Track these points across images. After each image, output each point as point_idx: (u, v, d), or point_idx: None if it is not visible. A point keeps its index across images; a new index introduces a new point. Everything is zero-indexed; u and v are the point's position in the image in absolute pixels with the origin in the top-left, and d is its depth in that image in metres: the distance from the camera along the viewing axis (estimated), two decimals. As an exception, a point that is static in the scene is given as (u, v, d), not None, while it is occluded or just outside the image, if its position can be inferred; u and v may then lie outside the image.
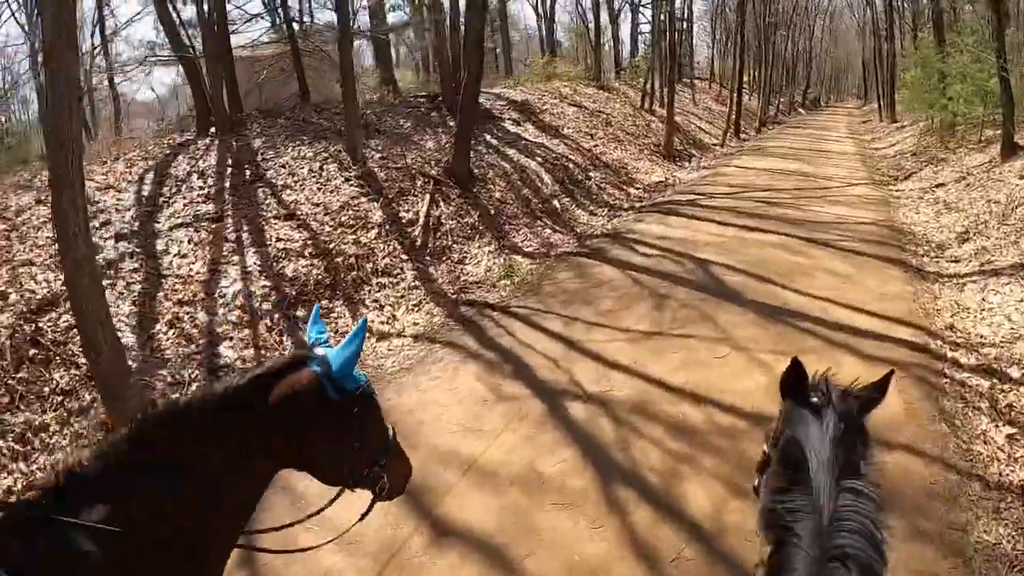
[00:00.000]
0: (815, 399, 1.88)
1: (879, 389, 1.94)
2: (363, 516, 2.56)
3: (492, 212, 12.68)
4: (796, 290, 8.93)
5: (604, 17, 35.07)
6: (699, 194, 15.83)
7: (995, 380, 6.60)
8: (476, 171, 13.80)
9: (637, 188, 16.96)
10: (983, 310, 8.34)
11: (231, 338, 7.79)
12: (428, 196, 11.97)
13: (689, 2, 45.64)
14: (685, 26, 45.63)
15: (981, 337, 7.64)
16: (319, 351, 2.28)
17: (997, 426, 5.89)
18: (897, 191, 16.70)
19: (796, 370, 1.92)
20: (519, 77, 26.87)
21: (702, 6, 67.01)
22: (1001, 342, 7.43)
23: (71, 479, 1.96)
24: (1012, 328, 7.72)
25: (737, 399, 6.18)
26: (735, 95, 29.88)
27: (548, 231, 12.88)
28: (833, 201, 15.00)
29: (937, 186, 15.73)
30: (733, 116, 29.30)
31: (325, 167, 12.07)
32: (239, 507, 2.25)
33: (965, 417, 6.02)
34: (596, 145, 18.80)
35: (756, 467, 2.18)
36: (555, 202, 14.19)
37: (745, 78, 38.71)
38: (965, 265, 10.08)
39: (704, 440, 5.70)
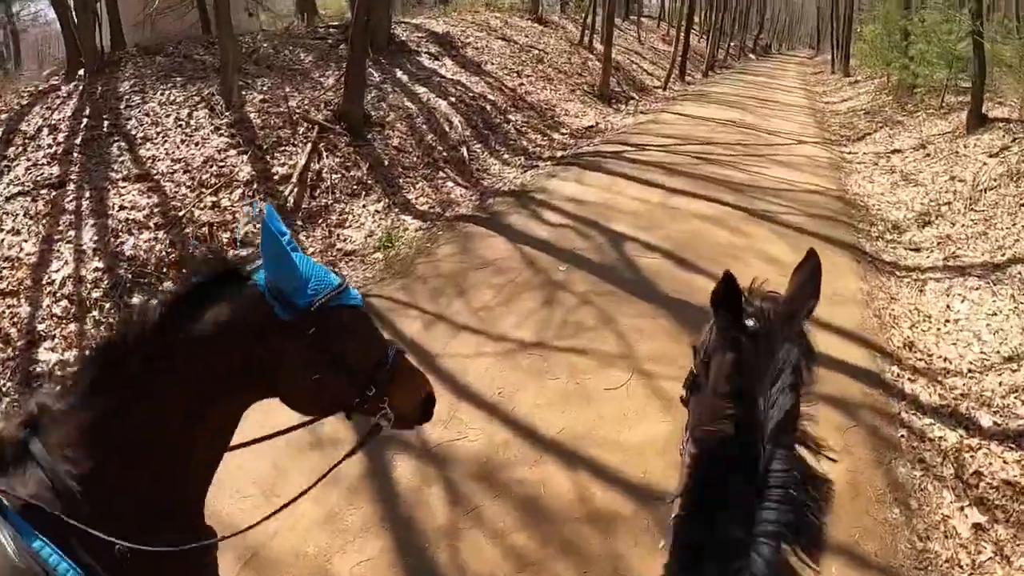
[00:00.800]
0: (751, 322, 1.53)
1: (813, 284, 1.63)
2: (355, 449, 2.17)
3: (386, 163, 10.71)
4: (725, 282, 7.31)
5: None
6: (630, 145, 13.99)
7: (962, 432, 5.13)
8: (374, 114, 11.78)
9: (563, 133, 15.07)
10: (948, 321, 6.88)
11: (53, 336, 6.15)
12: (310, 145, 9.96)
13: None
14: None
15: (946, 362, 6.17)
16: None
17: (962, 508, 4.43)
18: (849, 154, 15.17)
19: (729, 286, 1.52)
20: (446, 7, 24.40)
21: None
22: (969, 371, 5.98)
23: None
24: (982, 352, 6.26)
25: (625, 460, 4.52)
26: (683, 35, 27.97)
27: (450, 184, 11.01)
28: (778, 161, 13.39)
29: (893, 152, 14.24)
30: (679, 58, 27.32)
31: (195, 114, 9.96)
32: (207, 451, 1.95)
33: (923, 493, 4.54)
34: (522, 84, 16.76)
35: (684, 382, 1.82)
36: (463, 150, 12.23)
37: (696, 19, 36.86)
38: (927, 256, 8.59)
39: (567, 531, 4.02)
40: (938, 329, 6.76)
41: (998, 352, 6.19)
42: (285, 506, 2.10)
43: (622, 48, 28.08)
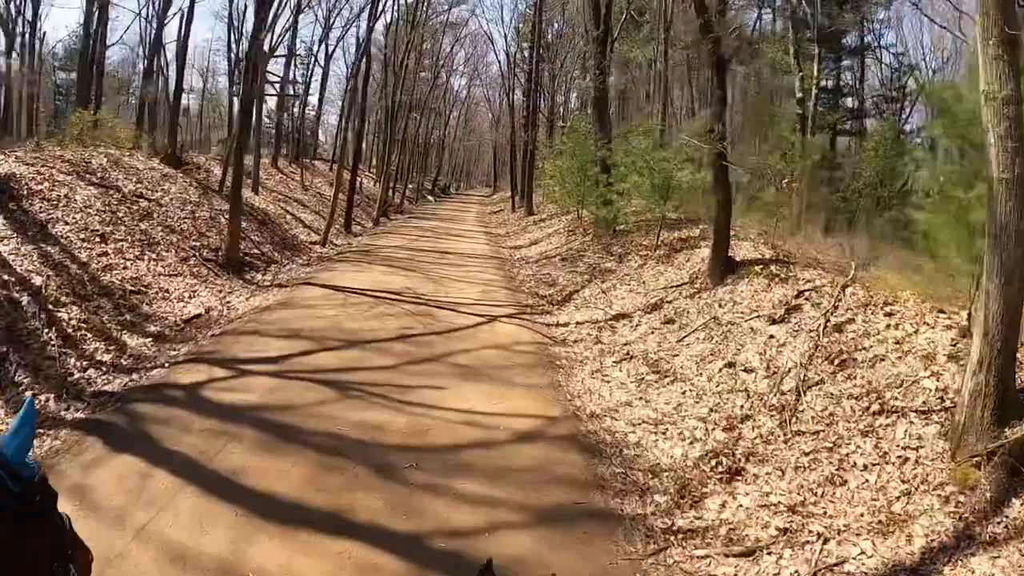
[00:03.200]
0: None
1: None
2: None
3: None
4: None
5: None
6: (226, 364, 8.41)
7: None
8: None
9: (147, 334, 9.67)
10: None
11: None
12: None
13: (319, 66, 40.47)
14: (301, 91, 39.97)
15: None
16: None
17: None
18: (559, 327, 11.18)
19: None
20: (49, 139, 18.15)
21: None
22: None
23: None
24: None
25: None
26: (351, 179, 24.24)
27: None
28: (465, 369, 8.74)
29: (618, 318, 10.62)
30: (343, 207, 23.19)
31: None
32: None
33: None
34: (105, 254, 11.37)
35: None
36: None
37: (375, 162, 33.56)
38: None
39: None
40: None
41: None
42: None
43: (280, 196, 23.59)
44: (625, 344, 9.35)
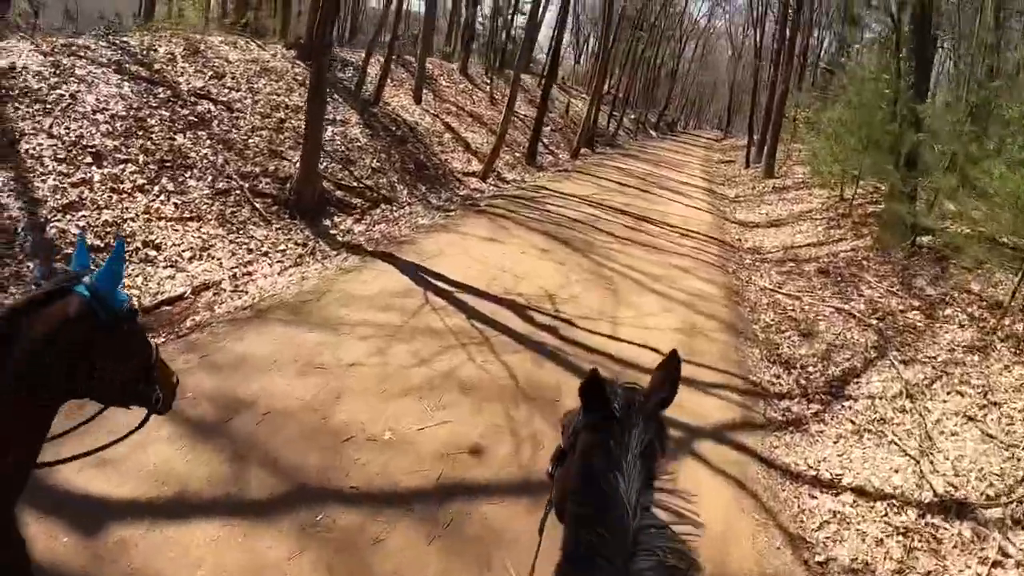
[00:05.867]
0: (614, 408, 1.76)
1: (671, 380, 1.82)
2: (139, 427, 2.39)
3: None
4: None
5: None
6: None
7: None
8: None
9: None
10: None
11: None
12: None
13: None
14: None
15: None
16: (85, 278, 2.07)
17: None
18: (822, 494, 5.06)
19: (594, 379, 1.78)
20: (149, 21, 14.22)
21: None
22: None
23: None
24: None
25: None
26: (542, 95, 19.22)
27: None
28: None
29: (947, 509, 4.59)
30: (507, 131, 17.36)
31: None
32: (24, 450, 1.99)
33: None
34: (85, 181, 7.18)
35: (552, 457, 2.03)
36: None
37: (606, 86, 28.13)
38: None
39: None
40: None
41: None
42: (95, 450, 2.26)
43: (453, 107, 19.08)
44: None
